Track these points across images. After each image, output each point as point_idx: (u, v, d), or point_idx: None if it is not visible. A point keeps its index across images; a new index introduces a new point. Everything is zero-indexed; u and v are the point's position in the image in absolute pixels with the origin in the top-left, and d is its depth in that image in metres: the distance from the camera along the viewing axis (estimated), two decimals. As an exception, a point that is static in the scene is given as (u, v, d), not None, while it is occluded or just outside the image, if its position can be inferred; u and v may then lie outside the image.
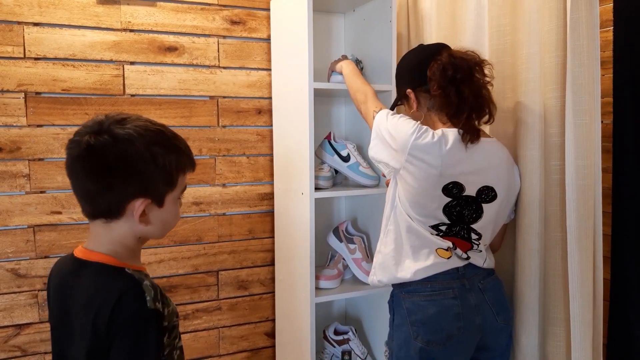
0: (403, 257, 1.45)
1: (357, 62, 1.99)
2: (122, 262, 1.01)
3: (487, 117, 1.42)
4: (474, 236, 1.43)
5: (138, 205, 0.97)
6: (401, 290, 1.46)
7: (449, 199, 1.38)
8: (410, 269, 1.42)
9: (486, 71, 1.42)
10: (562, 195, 1.40)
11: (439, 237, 1.41)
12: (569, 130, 1.33)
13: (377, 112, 1.51)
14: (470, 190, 1.39)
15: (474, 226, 1.42)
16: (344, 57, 1.88)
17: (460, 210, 1.40)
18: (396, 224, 1.45)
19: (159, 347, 0.97)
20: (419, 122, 1.41)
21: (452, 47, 1.47)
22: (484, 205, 1.41)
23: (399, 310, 1.45)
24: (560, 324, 1.44)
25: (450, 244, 1.41)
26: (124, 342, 0.92)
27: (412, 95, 1.49)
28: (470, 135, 1.36)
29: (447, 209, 1.39)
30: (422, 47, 1.54)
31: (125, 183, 0.96)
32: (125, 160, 0.94)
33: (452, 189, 1.37)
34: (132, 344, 0.93)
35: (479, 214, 1.41)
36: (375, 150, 1.49)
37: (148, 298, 0.95)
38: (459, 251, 1.42)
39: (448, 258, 1.41)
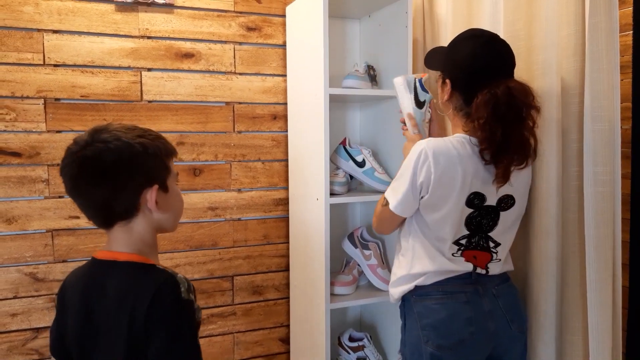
0: (416, 277, 1.42)
1: (369, 68, 1.99)
2: (148, 259, 1.03)
3: (523, 164, 1.34)
4: (491, 244, 1.41)
5: (150, 194, 1.02)
6: (412, 294, 1.44)
7: (470, 210, 1.36)
8: (421, 278, 1.41)
9: (534, 112, 1.33)
10: (580, 202, 1.38)
11: (457, 257, 1.39)
12: (587, 136, 1.32)
13: (385, 200, 1.43)
14: (492, 200, 1.37)
15: (491, 234, 1.40)
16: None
17: (479, 220, 1.38)
18: (412, 245, 1.43)
19: (196, 336, 0.99)
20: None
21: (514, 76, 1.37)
22: (502, 213, 1.39)
23: (410, 314, 1.44)
24: (578, 332, 1.41)
25: (470, 268, 1.39)
26: (165, 332, 0.94)
27: (449, 87, 1.42)
28: (503, 180, 1.32)
29: (468, 220, 1.37)
30: (481, 51, 1.36)
31: (132, 178, 1.01)
32: (122, 157, 0.99)
33: (474, 200, 1.35)
34: (173, 334, 0.95)
35: (495, 221, 1.39)
36: (402, 207, 1.38)
37: (182, 289, 0.98)
38: (479, 270, 1.40)
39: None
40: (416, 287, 1.42)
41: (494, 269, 1.42)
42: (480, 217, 1.37)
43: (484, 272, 1.40)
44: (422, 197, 1.34)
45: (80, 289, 1.05)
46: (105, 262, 1.03)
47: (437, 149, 1.31)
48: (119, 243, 1.04)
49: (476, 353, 1.38)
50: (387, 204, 1.41)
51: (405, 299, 1.47)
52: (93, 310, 1.01)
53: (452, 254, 1.39)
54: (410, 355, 1.42)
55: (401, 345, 1.49)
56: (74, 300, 1.05)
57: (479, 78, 1.33)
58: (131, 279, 1.00)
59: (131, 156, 1.00)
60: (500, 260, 1.43)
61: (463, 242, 1.38)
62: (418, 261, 1.41)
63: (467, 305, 1.37)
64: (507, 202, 1.39)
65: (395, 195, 1.39)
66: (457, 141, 1.34)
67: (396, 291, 1.47)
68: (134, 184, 1.01)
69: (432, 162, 1.30)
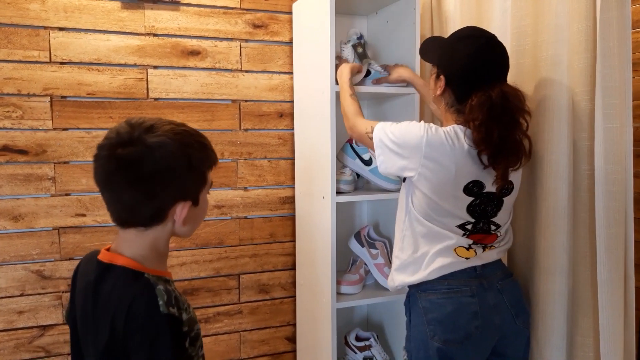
0: (421, 261, 1.43)
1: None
2: (145, 267, 1.00)
3: (517, 165, 1.36)
4: (492, 227, 1.43)
5: (180, 209, 1.00)
6: (417, 289, 1.44)
7: (471, 199, 1.37)
8: (428, 269, 1.41)
9: (527, 116, 1.36)
10: (591, 201, 1.37)
11: (463, 237, 1.40)
12: (598, 134, 1.30)
13: (371, 133, 1.45)
14: (492, 187, 1.38)
15: (494, 219, 1.43)
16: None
17: (483, 208, 1.39)
18: (412, 229, 1.44)
19: (176, 350, 0.95)
20: (422, 122, 1.39)
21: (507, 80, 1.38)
22: (505, 199, 1.42)
23: (415, 309, 1.44)
24: (589, 334, 1.39)
25: (471, 241, 1.40)
26: (140, 347, 0.92)
27: (442, 82, 1.42)
28: (503, 185, 1.36)
29: (470, 208, 1.38)
30: (480, 52, 1.36)
31: (167, 190, 0.98)
32: (163, 167, 0.96)
33: (473, 188, 1.36)
34: (148, 349, 0.92)
35: (499, 207, 1.42)
36: (385, 165, 1.42)
37: (160, 302, 0.94)
38: (480, 245, 1.41)
39: (467, 258, 1.40)
40: (421, 282, 1.43)
41: (501, 250, 1.46)
42: (484, 204, 1.39)
43: (488, 245, 1.43)
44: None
45: (83, 289, 1.04)
46: (104, 265, 1.02)
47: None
48: (125, 245, 1.02)
49: (482, 347, 1.39)
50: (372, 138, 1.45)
51: (410, 294, 1.48)
52: (90, 311, 1.01)
53: (455, 233, 1.40)
54: (416, 351, 1.42)
55: (406, 341, 1.49)
56: (79, 296, 1.05)
57: (474, 79, 1.35)
58: (117, 286, 0.98)
59: (173, 170, 0.97)
60: (504, 238, 1.47)
61: (469, 227, 1.40)
62: (421, 264, 1.43)
63: (473, 299, 1.38)
64: (507, 187, 1.41)
65: (392, 123, 1.43)
66: (453, 131, 1.36)
67: (399, 278, 1.48)
68: (168, 196, 0.98)
69: (443, 134, 1.34)
